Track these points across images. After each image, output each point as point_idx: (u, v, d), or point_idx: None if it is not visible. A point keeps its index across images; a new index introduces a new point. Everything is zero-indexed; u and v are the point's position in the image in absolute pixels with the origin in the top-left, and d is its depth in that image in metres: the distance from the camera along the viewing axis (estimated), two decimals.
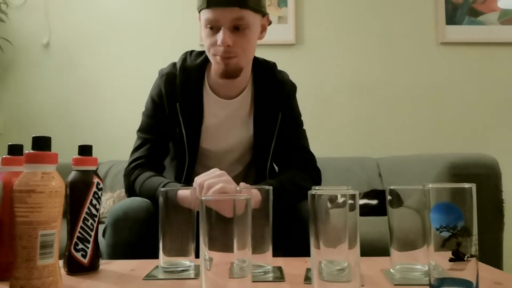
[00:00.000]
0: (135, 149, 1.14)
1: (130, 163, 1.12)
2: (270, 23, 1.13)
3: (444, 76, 2.35)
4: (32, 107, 2.34)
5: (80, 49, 2.37)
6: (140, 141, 1.14)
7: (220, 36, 0.99)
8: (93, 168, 0.76)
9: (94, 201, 0.74)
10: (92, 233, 0.74)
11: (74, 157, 0.75)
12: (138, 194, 1.06)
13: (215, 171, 0.92)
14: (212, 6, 0.98)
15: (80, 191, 0.73)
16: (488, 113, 2.32)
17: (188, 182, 1.12)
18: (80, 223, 0.72)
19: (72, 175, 0.74)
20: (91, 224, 0.73)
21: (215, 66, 1.06)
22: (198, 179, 0.90)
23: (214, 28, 1.01)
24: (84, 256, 0.72)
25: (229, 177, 0.91)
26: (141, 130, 1.15)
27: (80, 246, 0.72)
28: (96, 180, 0.74)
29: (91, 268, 0.73)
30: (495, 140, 2.29)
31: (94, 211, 0.73)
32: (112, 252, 0.95)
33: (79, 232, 0.72)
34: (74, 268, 0.72)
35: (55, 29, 2.38)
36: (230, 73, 1.05)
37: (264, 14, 1.07)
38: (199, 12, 1.04)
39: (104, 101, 2.35)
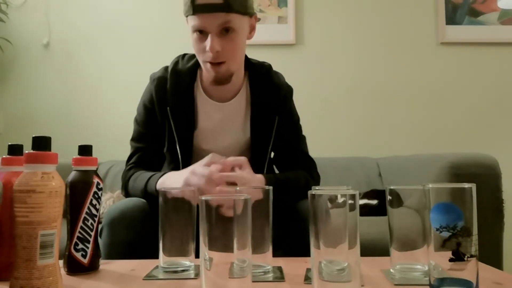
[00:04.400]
0: (129, 158, 1.15)
1: (126, 168, 1.14)
2: (258, 20, 1.13)
3: (444, 76, 2.35)
4: (32, 107, 2.34)
5: (80, 49, 2.37)
6: (132, 150, 1.15)
7: (208, 42, 0.98)
8: (93, 168, 0.76)
9: (94, 201, 0.74)
10: (92, 233, 0.74)
11: (74, 157, 0.75)
12: (131, 191, 1.07)
13: (198, 168, 0.93)
14: (198, 13, 0.97)
15: (80, 191, 0.73)
16: (488, 113, 2.32)
17: None
18: (80, 223, 0.72)
19: (72, 175, 0.74)
20: (91, 224, 0.73)
21: (206, 74, 1.07)
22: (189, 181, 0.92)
23: (202, 34, 1.00)
24: (84, 256, 0.72)
25: (214, 158, 0.94)
26: (133, 139, 1.16)
27: (80, 246, 0.72)
28: (96, 180, 0.74)
29: (91, 268, 0.73)
30: (495, 140, 2.29)
31: (94, 211, 0.73)
32: (109, 251, 0.95)
33: (79, 232, 0.72)
34: (74, 268, 0.72)
35: (55, 29, 2.38)
36: (221, 80, 1.05)
37: (251, 14, 1.06)
38: (186, 17, 1.03)
39: (104, 101, 2.35)
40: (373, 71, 2.36)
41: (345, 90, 2.35)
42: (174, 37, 2.35)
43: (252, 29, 1.09)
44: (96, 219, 0.75)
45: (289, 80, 1.24)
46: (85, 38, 2.38)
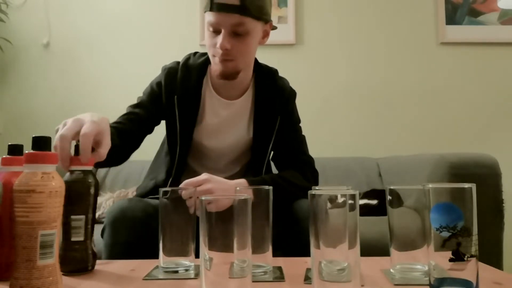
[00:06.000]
0: (117, 119, 1.13)
1: None
2: (274, 28, 1.15)
3: (444, 76, 2.35)
4: (32, 107, 2.34)
5: (80, 49, 2.37)
6: (125, 111, 1.14)
7: (219, 39, 1.01)
8: (89, 168, 0.76)
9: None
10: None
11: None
12: None
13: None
14: (214, 10, 1.01)
15: (77, 191, 0.73)
16: (488, 113, 2.32)
17: (179, 176, 1.14)
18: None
19: (69, 174, 0.74)
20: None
21: (214, 66, 1.10)
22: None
23: (215, 30, 1.03)
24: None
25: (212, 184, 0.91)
26: (131, 105, 1.16)
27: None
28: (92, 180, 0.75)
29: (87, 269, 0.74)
30: (495, 140, 2.29)
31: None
32: (111, 252, 0.95)
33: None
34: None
35: (55, 29, 2.37)
36: (227, 75, 1.07)
37: (266, 21, 1.09)
38: (204, 13, 1.06)
39: (104, 101, 2.35)
40: (373, 71, 2.36)
41: (345, 90, 2.35)
42: (174, 36, 2.35)
43: (265, 35, 1.12)
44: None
45: (289, 80, 1.25)
46: (85, 38, 2.38)
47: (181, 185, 0.85)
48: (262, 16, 1.05)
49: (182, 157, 1.13)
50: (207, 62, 1.16)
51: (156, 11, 2.39)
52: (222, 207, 0.52)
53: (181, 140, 1.12)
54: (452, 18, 2.35)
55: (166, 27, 2.38)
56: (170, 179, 1.14)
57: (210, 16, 1.02)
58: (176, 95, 1.12)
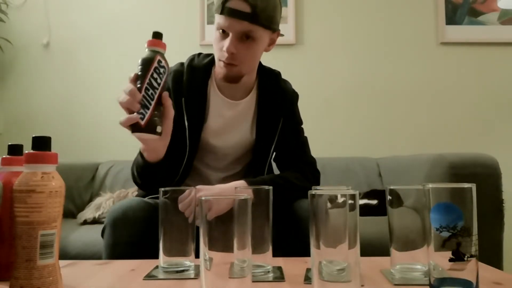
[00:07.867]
0: None
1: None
2: (281, 35, 1.15)
3: (444, 76, 2.35)
4: (32, 107, 2.34)
5: (80, 49, 2.37)
6: None
7: (226, 43, 1.02)
8: (160, 50, 0.89)
9: (155, 75, 0.84)
10: (152, 102, 0.83)
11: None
12: (134, 174, 1.05)
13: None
14: (225, 14, 1.01)
15: (144, 65, 0.84)
16: (488, 113, 2.32)
17: (185, 176, 1.15)
18: (143, 92, 0.82)
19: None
20: (151, 94, 0.83)
21: (218, 69, 1.11)
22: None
23: (223, 33, 1.04)
24: (142, 119, 0.82)
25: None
26: None
27: (141, 110, 0.82)
28: (158, 57, 0.85)
29: (147, 130, 0.82)
30: (495, 140, 2.29)
31: (155, 84, 0.83)
32: (112, 252, 0.95)
33: (141, 100, 0.82)
34: (134, 127, 0.82)
35: (55, 29, 2.38)
36: (230, 78, 1.08)
37: (275, 30, 1.09)
38: (215, 14, 1.07)
39: (104, 101, 2.35)
40: (373, 71, 2.36)
41: (345, 90, 2.35)
42: (174, 36, 2.35)
43: (271, 43, 1.13)
44: (157, 91, 0.83)
45: (289, 80, 1.25)
46: (85, 38, 2.38)
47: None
48: (271, 25, 1.06)
49: (190, 158, 1.14)
50: (211, 62, 1.17)
51: (156, 11, 2.39)
52: (221, 211, 0.53)
53: (190, 141, 1.13)
54: (452, 18, 2.35)
55: (166, 27, 2.37)
56: (176, 179, 1.14)
57: (220, 19, 1.03)
58: (184, 97, 1.12)
